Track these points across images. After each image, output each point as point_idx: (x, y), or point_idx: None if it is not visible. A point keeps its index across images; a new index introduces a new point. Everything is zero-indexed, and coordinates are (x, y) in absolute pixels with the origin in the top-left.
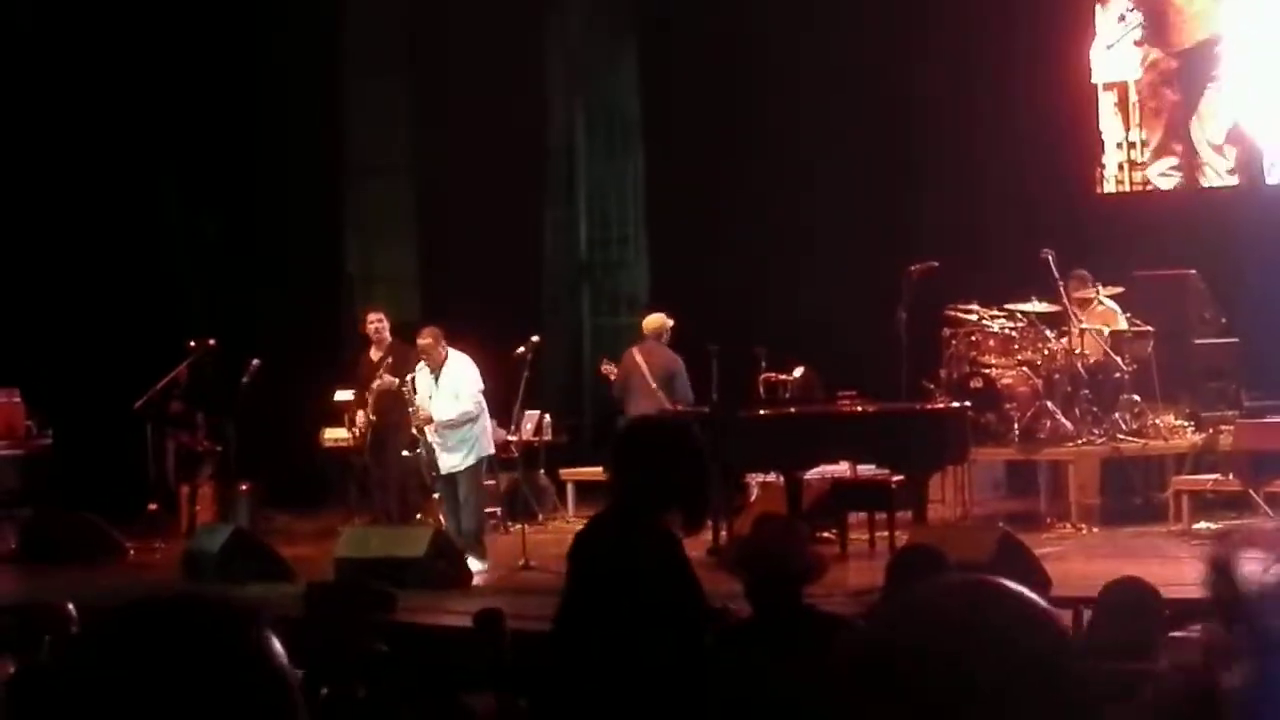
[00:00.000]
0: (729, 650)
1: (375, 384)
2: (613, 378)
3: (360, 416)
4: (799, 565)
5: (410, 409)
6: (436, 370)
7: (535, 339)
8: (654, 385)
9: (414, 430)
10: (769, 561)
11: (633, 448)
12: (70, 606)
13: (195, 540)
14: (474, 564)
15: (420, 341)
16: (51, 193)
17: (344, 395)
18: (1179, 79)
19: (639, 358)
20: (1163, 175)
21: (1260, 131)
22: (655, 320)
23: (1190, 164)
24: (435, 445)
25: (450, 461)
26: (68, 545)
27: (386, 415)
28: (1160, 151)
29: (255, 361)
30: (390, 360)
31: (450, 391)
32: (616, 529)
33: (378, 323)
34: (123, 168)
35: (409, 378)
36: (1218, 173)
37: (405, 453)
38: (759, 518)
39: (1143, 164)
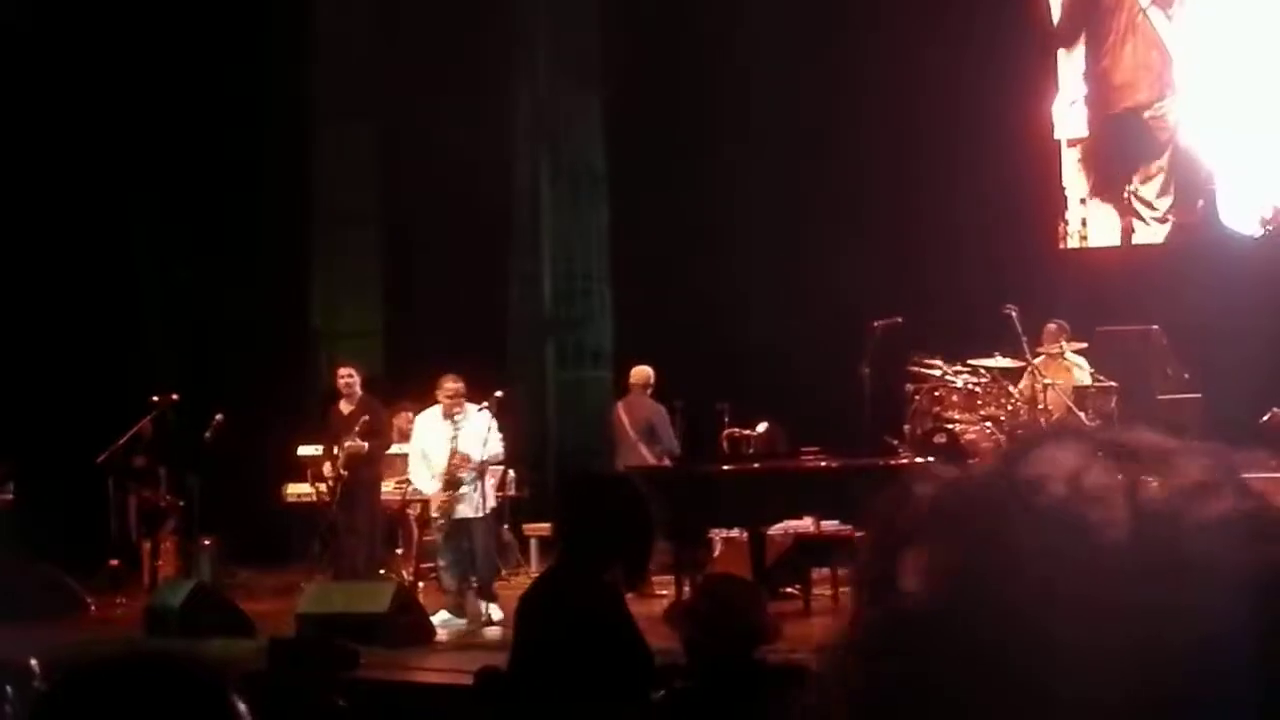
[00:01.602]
0: (676, 712)
1: (348, 443)
2: None
3: (328, 469)
4: (745, 626)
5: (449, 453)
6: (452, 418)
7: (499, 394)
8: (634, 437)
9: (450, 473)
10: (711, 621)
11: (574, 503)
12: (33, 662)
13: (157, 595)
14: (495, 611)
15: (453, 385)
16: (14, 244)
17: (308, 450)
18: (1113, 140)
19: (621, 411)
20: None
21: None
22: (641, 372)
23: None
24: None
25: (465, 510)
26: (30, 600)
27: (358, 471)
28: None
29: (219, 416)
30: (366, 418)
31: (477, 438)
32: (558, 586)
33: (348, 377)
34: (86, 220)
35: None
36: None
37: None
38: (706, 578)
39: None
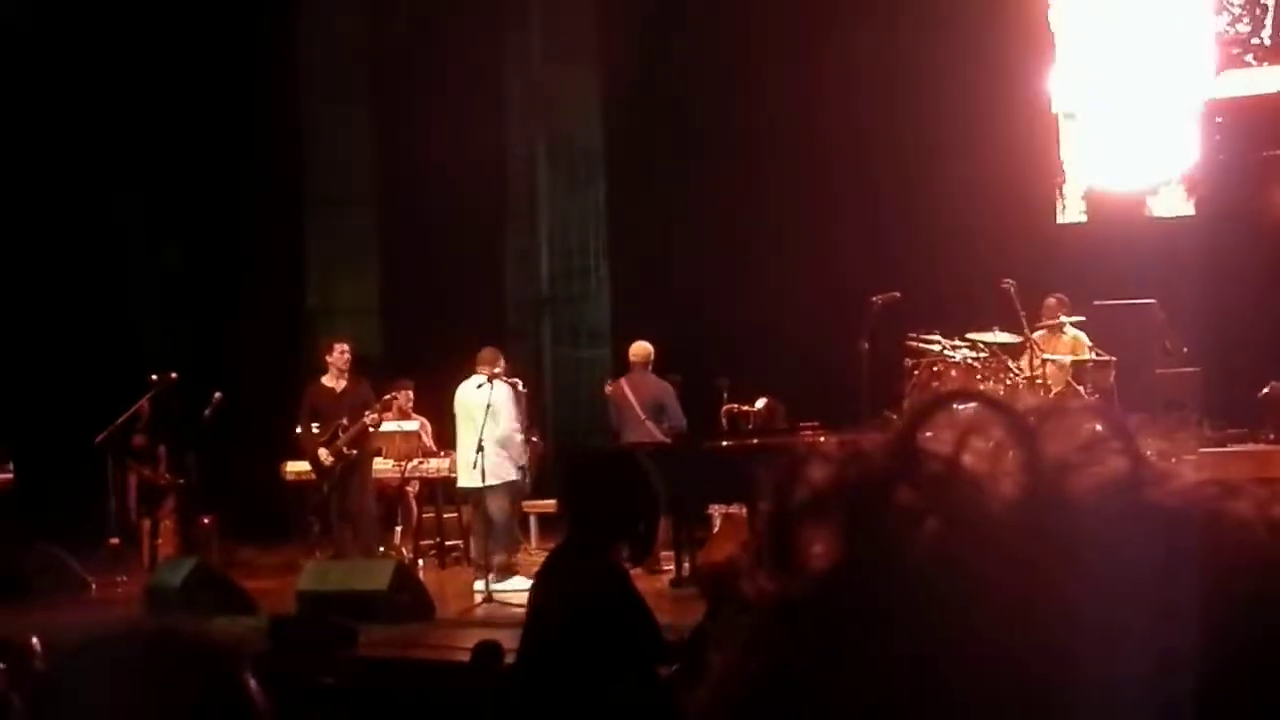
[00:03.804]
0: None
1: (368, 416)
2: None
3: (323, 451)
4: None
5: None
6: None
7: (497, 371)
8: (642, 415)
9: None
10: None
11: (580, 481)
12: (34, 641)
13: (157, 574)
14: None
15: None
16: (12, 226)
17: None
18: None
19: (627, 389)
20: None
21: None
22: (642, 349)
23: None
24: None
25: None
26: (31, 580)
27: (362, 447)
28: None
29: (217, 395)
30: (395, 398)
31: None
32: (566, 565)
33: (346, 353)
34: (84, 199)
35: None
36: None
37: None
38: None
39: None
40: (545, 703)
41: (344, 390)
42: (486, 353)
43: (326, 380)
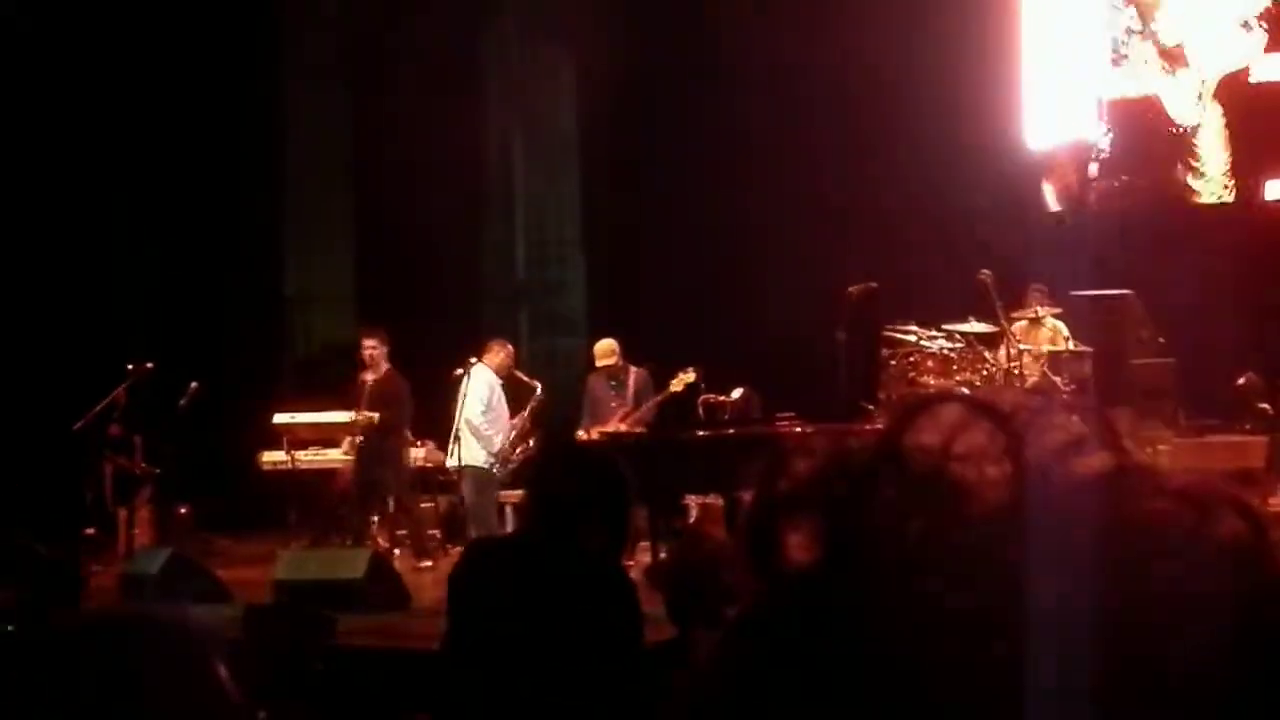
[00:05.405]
0: (649, 671)
1: (361, 413)
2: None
3: (346, 443)
4: (720, 584)
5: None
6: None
7: (472, 360)
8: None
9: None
10: (689, 579)
11: (568, 473)
12: (9, 628)
13: (133, 563)
14: None
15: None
16: None
17: (283, 418)
18: None
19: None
20: None
21: None
22: (611, 345)
23: None
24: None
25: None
26: (3, 568)
27: (370, 442)
28: None
29: (194, 384)
30: (389, 389)
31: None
32: (549, 555)
33: (372, 349)
34: (58, 186)
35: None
36: None
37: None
38: (686, 535)
39: None
40: (534, 693)
41: (370, 383)
42: (493, 344)
43: (366, 374)
